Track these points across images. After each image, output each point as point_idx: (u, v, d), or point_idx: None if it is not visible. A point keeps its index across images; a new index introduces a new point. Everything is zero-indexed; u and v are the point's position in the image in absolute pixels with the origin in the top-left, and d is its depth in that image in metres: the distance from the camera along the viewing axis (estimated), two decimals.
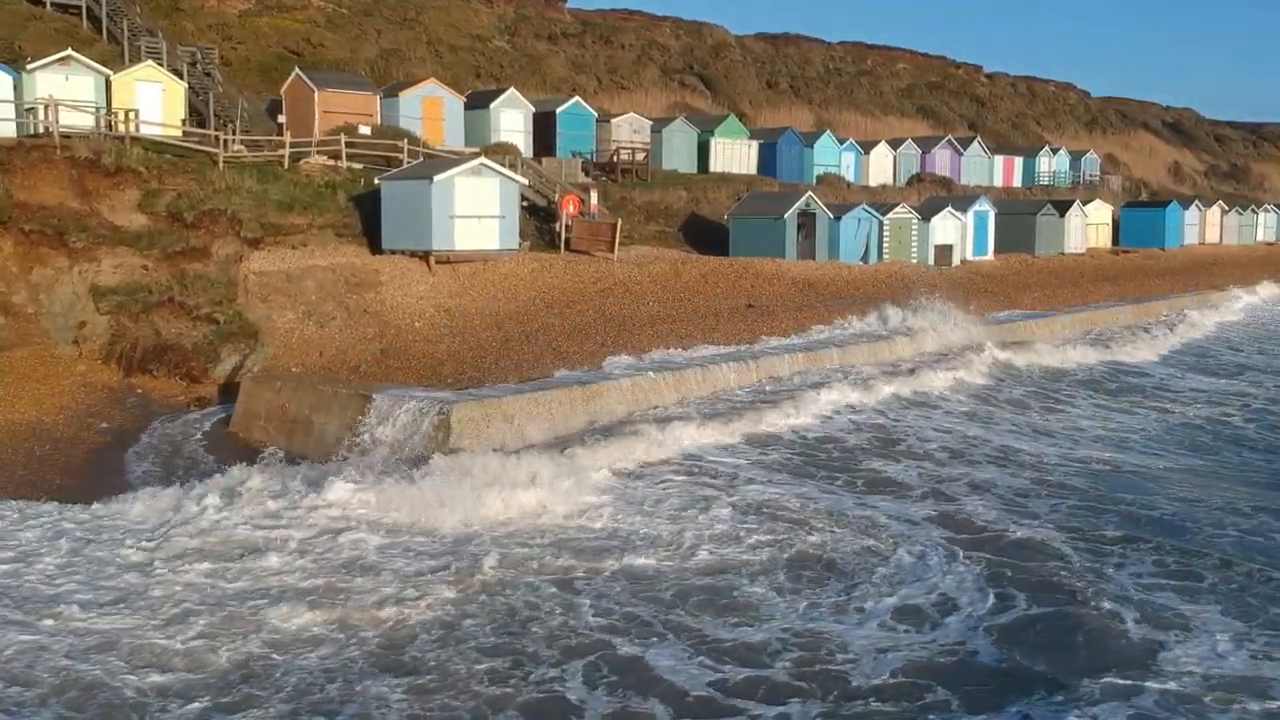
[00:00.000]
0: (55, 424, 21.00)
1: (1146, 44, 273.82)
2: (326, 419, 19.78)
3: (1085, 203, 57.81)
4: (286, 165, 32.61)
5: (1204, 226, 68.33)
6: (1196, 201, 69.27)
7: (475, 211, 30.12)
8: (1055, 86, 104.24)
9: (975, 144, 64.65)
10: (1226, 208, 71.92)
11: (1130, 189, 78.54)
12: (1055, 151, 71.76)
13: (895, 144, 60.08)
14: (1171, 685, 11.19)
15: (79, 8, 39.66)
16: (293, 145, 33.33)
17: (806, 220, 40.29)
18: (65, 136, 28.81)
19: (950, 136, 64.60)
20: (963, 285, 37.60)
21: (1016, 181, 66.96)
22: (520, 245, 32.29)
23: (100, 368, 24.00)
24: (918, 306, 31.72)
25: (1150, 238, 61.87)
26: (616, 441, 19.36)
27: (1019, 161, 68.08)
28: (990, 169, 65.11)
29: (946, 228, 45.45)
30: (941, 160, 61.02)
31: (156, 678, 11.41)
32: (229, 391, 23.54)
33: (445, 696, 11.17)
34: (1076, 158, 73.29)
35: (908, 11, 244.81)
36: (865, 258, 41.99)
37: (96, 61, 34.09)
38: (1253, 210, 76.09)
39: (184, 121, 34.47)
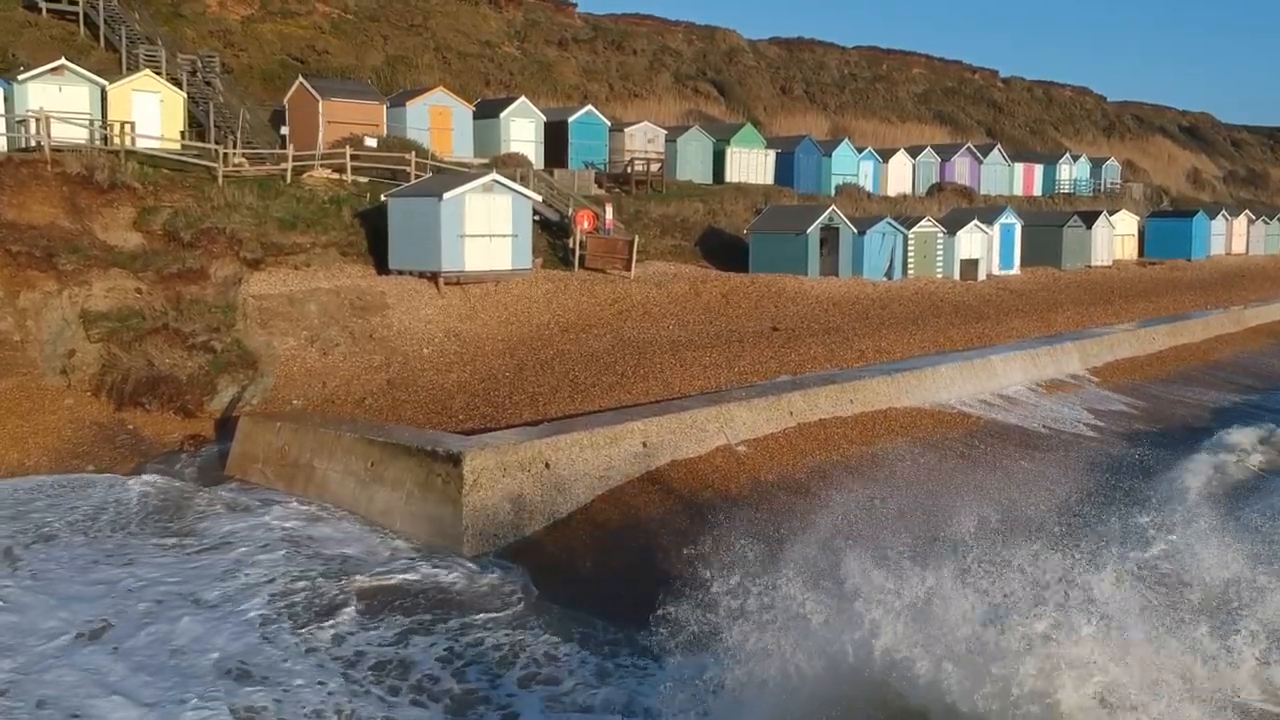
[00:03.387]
0: (38, 467, 19.56)
1: (1161, 48, 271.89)
2: (329, 465, 18.31)
3: (1111, 213, 56.20)
4: (289, 179, 31.16)
5: (1230, 236, 66.60)
6: (1223, 211, 67.60)
7: (486, 230, 28.67)
8: (1072, 91, 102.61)
9: (995, 151, 63.07)
10: (1253, 217, 70.29)
11: (1151, 196, 76.86)
12: (1076, 159, 70.12)
13: (914, 151, 58.49)
14: None
15: (76, 14, 38.30)
16: (296, 158, 31.90)
17: (829, 235, 38.75)
18: (57, 151, 27.41)
19: (970, 144, 62.97)
20: (995, 303, 36.03)
21: (1037, 190, 65.32)
22: (533, 263, 30.84)
23: (89, 401, 22.51)
24: None
25: (1177, 248, 60.18)
26: None
27: (1039, 169, 66.44)
28: (1010, 177, 63.52)
29: (972, 241, 43.91)
30: (961, 168, 59.43)
31: None
32: (226, 427, 22.06)
33: None
34: (1097, 165, 71.67)
35: (921, 16, 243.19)
36: (889, 274, 40.45)
37: (94, 70, 32.81)
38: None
39: (183, 134, 33.07)
